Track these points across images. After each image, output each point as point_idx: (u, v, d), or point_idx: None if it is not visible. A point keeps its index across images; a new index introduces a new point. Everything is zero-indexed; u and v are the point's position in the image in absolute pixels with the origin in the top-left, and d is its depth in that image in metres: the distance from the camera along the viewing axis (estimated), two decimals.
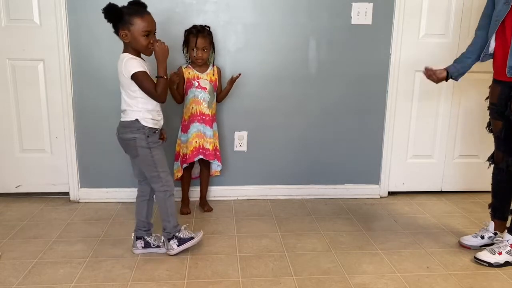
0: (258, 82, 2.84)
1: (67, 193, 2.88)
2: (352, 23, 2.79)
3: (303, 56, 2.82)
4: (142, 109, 2.06)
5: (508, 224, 2.20)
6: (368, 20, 2.80)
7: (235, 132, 2.89)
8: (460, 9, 2.84)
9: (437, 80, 2.31)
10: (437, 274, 2.05)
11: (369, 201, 2.97)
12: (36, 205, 2.80)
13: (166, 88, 2.08)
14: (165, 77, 2.04)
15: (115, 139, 2.81)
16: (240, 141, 2.90)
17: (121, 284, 1.93)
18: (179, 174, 2.66)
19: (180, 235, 2.16)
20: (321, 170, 2.99)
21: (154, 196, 2.21)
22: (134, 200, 2.85)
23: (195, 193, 2.84)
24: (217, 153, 2.68)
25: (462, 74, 2.27)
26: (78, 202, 2.87)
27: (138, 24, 1.99)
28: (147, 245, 2.19)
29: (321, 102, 2.89)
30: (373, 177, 3.03)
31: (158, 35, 2.93)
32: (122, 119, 2.11)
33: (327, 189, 3.01)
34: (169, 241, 2.16)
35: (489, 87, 2.22)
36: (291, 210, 2.79)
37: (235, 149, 2.91)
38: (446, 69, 2.29)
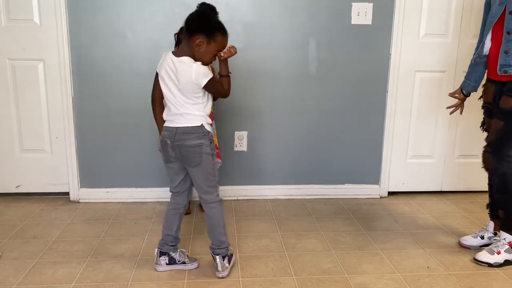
0: (258, 82, 2.84)
1: (67, 193, 2.88)
2: (352, 23, 2.79)
3: (303, 56, 2.82)
4: (204, 114, 1.89)
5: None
6: (368, 20, 2.80)
7: (235, 132, 2.89)
8: (460, 9, 2.84)
9: (463, 99, 2.37)
10: (437, 274, 2.05)
11: (369, 201, 2.97)
12: (36, 205, 2.80)
13: (230, 84, 1.97)
14: (229, 74, 1.95)
15: (115, 139, 2.84)
16: (240, 141, 2.90)
17: (121, 284, 1.93)
18: None
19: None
20: (321, 170, 2.99)
21: (207, 208, 1.98)
22: (134, 200, 2.87)
23: (194, 193, 2.84)
24: (217, 151, 2.68)
25: (479, 83, 2.29)
26: (78, 202, 2.87)
27: (218, 42, 1.85)
28: (171, 261, 2.02)
29: (321, 102, 2.89)
30: (373, 177, 3.03)
31: (157, 36, 2.94)
32: (181, 125, 1.86)
33: (327, 189, 3.01)
34: (223, 259, 1.97)
35: (483, 86, 2.24)
36: (291, 210, 2.79)
37: (235, 149, 2.91)
38: (460, 88, 2.35)
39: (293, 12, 2.76)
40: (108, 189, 2.88)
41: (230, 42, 2.75)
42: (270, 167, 2.95)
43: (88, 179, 2.87)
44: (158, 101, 1.94)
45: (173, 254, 2.03)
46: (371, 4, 2.77)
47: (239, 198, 2.95)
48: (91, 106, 2.77)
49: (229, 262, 2.01)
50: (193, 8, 2.69)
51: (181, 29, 2.53)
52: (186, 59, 1.83)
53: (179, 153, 1.90)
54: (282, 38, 2.79)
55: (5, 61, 2.72)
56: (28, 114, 2.80)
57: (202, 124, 1.87)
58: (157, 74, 1.90)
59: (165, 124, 1.91)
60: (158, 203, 2.86)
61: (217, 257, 1.96)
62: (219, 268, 1.96)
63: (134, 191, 2.89)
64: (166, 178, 2.10)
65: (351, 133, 2.95)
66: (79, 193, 2.87)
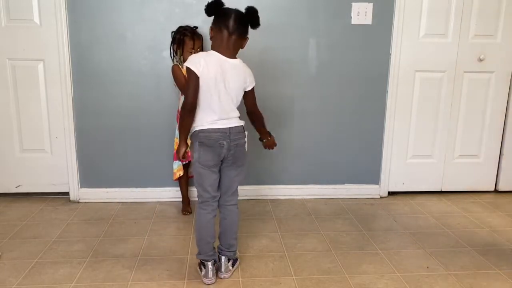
0: (258, 82, 2.82)
1: (67, 193, 2.88)
2: (352, 23, 2.79)
3: (303, 56, 2.82)
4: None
5: None
6: (368, 20, 2.79)
7: None
8: (460, 9, 2.84)
9: None
10: (437, 274, 2.04)
11: (369, 201, 2.97)
12: (36, 205, 2.80)
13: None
14: None
15: (115, 139, 2.84)
16: None
17: (121, 284, 1.93)
18: (181, 173, 2.66)
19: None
20: (321, 170, 2.99)
21: (228, 210, 1.98)
22: (134, 200, 2.88)
23: (194, 192, 2.84)
24: None
25: None
26: (78, 202, 2.87)
27: None
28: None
29: (321, 102, 2.89)
30: (373, 177, 3.03)
31: (156, 36, 2.95)
32: (235, 125, 1.88)
33: (327, 189, 3.01)
34: (229, 261, 1.98)
35: None
36: (291, 210, 2.79)
37: None
38: None
39: (293, 12, 2.76)
40: (108, 189, 2.88)
41: None
42: (271, 167, 2.95)
43: (88, 179, 2.87)
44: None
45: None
46: (371, 4, 2.77)
47: (239, 198, 2.93)
48: (91, 106, 2.77)
49: (233, 265, 2.01)
50: (193, 8, 2.71)
51: (182, 28, 2.54)
52: (239, 61, 1.90)
53: (233, 154, 1.88)
54: (282, 38, 2.79)
55: (5, 61, 2.72)
56: (28, 114, 2.80)
57: (243, 124, 1.93)
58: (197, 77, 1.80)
59: (215, 126, 1.84)
60: (158, 203, 2.86)
61: (223, 258, 1.96)
62: (223, 269, 1.96)
63: (134, 191, 2.89)
64: (204, 184, 1.92)
65: (351, 133, 2.95)
66: (79, 193, 2.87)
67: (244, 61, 2.79)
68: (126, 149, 2.84)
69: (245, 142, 1.93)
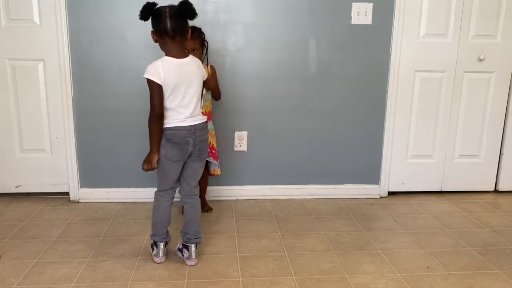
0: (258, 82, 2.84)
1: (67, 193, 2.88)
2: (352, 23, 2.79)
3: (303, 56, 2.82)
4: None
5: None
6: (368, 20, 2.79)
7: (235, 132, 2.89)
8: (460, 9, 2.84)
9: None
10: (437, 274, 2.05)
11: (369, 201, 2.97)
12: (36, 205, 2.80)
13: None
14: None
15: (115, 139, 2.84)
16: (240, 141, 2.90)
17: (121, 284, 1.93)
18: None
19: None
20: (321, 170, 2.99)
21: (193, 199, 2.10)
22: (134, 200, 2.88)
23: None
24: (213, 151, 2.66)
25: None
26: (78, 202, 2.87)
27: None
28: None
29: (321, 102, 2.90)
30: (373, 177, 3.03)
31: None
32: (200, 121, 2.00)
33: (327, 189, 3.01)
34: (196, 247, 2.09)
35: None
36: (291, 210, 2.79)
37: (235, 149, 2.91)
38: None
39: (293, 12, 2.76)
40: (108, 189, 2.88)
41: (230, 42, 2.78)
42: (270, 167, 2.96)
43: (88, 179, 2.87)
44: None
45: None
46: (371, 4, 2.77)
47: (239, 198, 2.96)
48: (91, 106, 2.77)
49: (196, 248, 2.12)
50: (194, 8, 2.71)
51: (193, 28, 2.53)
52: (194, 58, 2.00)
53: (198, 148, 2.00)
54: (282, 38, 2.79)
55: (5, 61, 2.72)
56: (28, 114, 2.80)
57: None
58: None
59: (181, 124, 1.94)
60: None
61: (193, 245, 2.07)
62: (193, 256, 2.07)
63: (134, 191, 2.89)
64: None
65: (351, 133, 2.95)
66: (79, 193, 2.87)
67: (244, 61, 2.81)
68: (126, 149, 2.83)
69: (207, 138, 2.08)
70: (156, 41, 1.92)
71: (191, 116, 1.96)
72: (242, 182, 2.96)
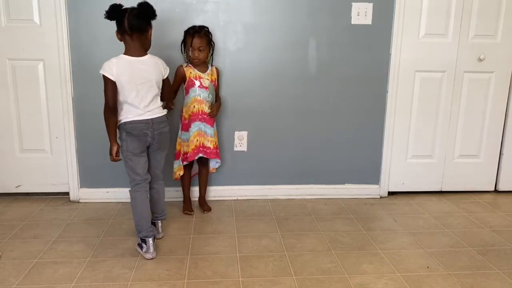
0: (258, 82, 2.84)
1: (67, 193, 2.88)
2: (352, 23, 2.79)
3: (303, 56, 2.82)
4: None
5: None
6: (368, 20, 2.79)
7: (235, 132, 2.89)
8: (460, 9, 2.84)
9: None
10: (437, 274, 2.05)
11: (369, 201, 2.97)
12: (36, 205, 2.80)
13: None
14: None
15: None
16: (240, 141, 2.90)
17: (121, 284, 1.93)
18: (181, 173, 2.66)
19: None
20: (321, 170, 2.99)
21: (158, 185, 2.31)
22: None
23: (194, 192, 2.85)
24: (217, 151, 2.69)
25: None
26: (78, 202, 2.87)
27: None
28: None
29: (321, 102, 2.90)
30: (373, 177, 3.03)
31: (157, 35, 2.93)
32: (159, 115, 2.17)
33: (327, 189, 3.01)
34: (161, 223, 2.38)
35: None
36: (291, 210, 2.79)
37: (235, 149, 2.91)
38: None
39: (293, 12, 2.76)
40: (108, 189, 2.88)
41: (230, 42, 2.78)
42: (270, 167, 2.96)
43: (88, 179, 2.87)
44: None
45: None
46: (371, 4, 2.77)
47: (239, 198, 2.96)
48: (91, 106, 2.77)
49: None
50: (193, 8, 2.72)
51: (190, 27, 2.54)
52: (154, 56, 2.17)
53: (158, 140, 2.17)
54: (282, 38, 2.79)
55: (5, 61, 2.72)
56: (28, 114, 2.80)
57: (167, 113, 2.23)
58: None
59: (139, 118, 2.09)
60: None
61: (159, 222, 2.35)
62: (160, 230, 2.36)
63: None
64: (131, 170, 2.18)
65: (351, 133, 2.95)
66: (79, 193, 2.87)
67: (244, 61, 2.81)
68: None
69: (168, 131, 2.23)
70: (120, 40, 2.10)
71: (148, 110, 2.11)
72: (242, 182, 2.96)
